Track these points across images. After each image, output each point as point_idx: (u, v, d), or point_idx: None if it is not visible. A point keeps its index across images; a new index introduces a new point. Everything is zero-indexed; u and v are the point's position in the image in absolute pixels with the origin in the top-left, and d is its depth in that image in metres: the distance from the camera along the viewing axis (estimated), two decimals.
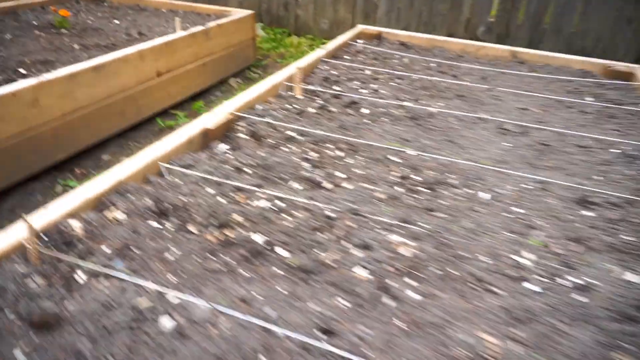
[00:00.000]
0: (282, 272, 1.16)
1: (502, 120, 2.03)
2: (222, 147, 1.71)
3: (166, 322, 0.99)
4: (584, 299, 1.10)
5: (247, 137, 1.78)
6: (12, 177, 2.04)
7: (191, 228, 1.28)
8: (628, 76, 2.77)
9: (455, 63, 2.84)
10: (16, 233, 1.15)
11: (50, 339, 0.94)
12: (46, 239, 1.16)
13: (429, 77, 2.54)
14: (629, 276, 1.17)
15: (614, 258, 1.23)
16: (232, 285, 1.10)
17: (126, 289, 1.06)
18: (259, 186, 1.47)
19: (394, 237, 1.25)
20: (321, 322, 1.02)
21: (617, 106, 2.31)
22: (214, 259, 1.18)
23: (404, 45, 3.15)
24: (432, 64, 2.82)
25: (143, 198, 1.36)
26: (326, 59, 2.68)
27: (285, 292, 1.10)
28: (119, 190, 1.39)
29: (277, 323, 1.00)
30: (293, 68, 2.29)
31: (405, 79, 2.50)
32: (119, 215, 1.30)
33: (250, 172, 1.55)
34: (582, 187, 1.54)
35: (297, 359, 0.92)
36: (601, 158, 1.78)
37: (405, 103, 2.17)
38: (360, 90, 2.29)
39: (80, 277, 1.09)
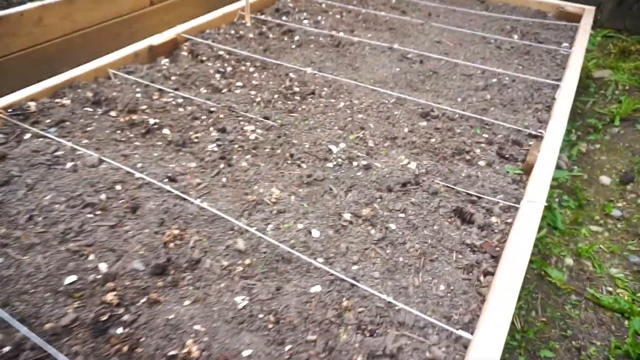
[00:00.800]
0: (161, 144, 1.58)
1: (409, 50, 2.26)
2: (164, 60, 2.11)
3: (68, 164, 1.46)
4: (362, 174, 1.44)
5: (187, 54, 2.16)
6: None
7: (112, 113, 1.72)
8: (576, 17, 2.81)
9: (414, 0, 2.99)
10: None
11: None
12: (10, 111, 1.65)
13: (376, 12, 2.74)
14: (410, 165, 1.49)
15: (411, 153, 1.55)
16: (123, 148, 1.55)
17: (51, 144, 1.54)
18: (175, 89, 1.87)
19: (249, 127, 1.63)
20: (172, 174, 1.45)
21: (539, 45, 2.44)
22: (119, 132, 1.63)
23: None
24: (392, 0, 2.99)
25: (86, 91, 1.81)
26: None
27: (157, 155, 1.53)
28: (72, 85, 1.84)
29: (139, 170, 1.44)
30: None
31: (352, 13, 2.72)
32: (65, 101, 1.76)
33: (174, 79, 1.95)
34: (433, 105, 1.81)
35: (140, 189, 1.37)
36: (475, 85, 2.00)
37: (336, 33, 2.42)
38: (304, 20, 2.57)
39: (27, 136, 1.58)
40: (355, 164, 1.49)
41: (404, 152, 1.55)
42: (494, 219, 1.32)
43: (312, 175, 1.44)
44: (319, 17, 2.63)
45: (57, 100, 1.76)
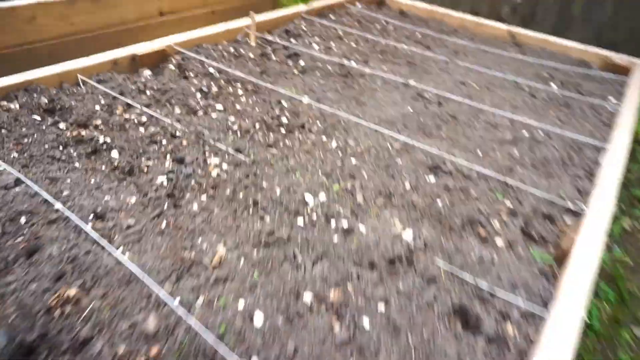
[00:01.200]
0: (105, 169, 1.27)
1: (427, 88, 1.92)
2: (147, 72, 1.84)
3: None
4: (339, 240, 1.09)
5: (174, 68, 1.88)
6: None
7: (61, 125, 1.44)
8: (625, 71, 2.43)
9: (442, 36, 2.68)
10: None
11: None
12: None
13: (396, 44, 2.44)
14: (405, 233, 1.12)
15: (409, 217, 1.18)
16: (56, 169, 1.25)
17: None
18: (146, 105, 1.58)
19: (215, 160, 1.31)
20: (102, 209, 1.13)
21: (581, 97, 2.07)
22: (60, 149, 1.33)
23: (402, 14, 3.00)
24: (417, 34, 2.69)
25: (42, 97, 1.54)
26: (307, 16, 2.67)
27: (94, 182, 1.22)
28: (29, 87, 1.58)
29: (62, 200, 1.13)
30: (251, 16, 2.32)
31: (370, 42, 2.42)
32: (14, 105, 1.49)
33: (149, 93, 1.66)
34: (446, 156, 1.45)
35: (51, 226, 1.05)
36: (501, 137, 1.64)
37: (347, 62, 2.12)
38: (314, 45, 2.28)
39: None
40: (333, 224, 1.14)
41: (400, 216, 1.19)
42: (509, 329, 0.94)
43: (275, 233, 1.10)
44: (332, 44, 2.34)
45: (4, 103, 1.49)
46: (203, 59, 1.95)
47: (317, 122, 1.57)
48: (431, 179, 1.36)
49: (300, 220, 1.13)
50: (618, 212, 2.10)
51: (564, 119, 1.87)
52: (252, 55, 2.08)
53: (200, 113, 1.56)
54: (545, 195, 1.33)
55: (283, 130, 1.50)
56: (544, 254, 1.12)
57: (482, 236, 1.15)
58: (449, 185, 1.33)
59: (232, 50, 2.11)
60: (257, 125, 1.51)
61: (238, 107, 1.62)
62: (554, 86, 2.16)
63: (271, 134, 1.48)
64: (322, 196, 1.22)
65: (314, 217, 1.15)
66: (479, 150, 1.55)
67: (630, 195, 2.21)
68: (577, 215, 1.27)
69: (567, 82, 2.22)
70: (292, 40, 2.33)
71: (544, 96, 2.04)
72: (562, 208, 1.30)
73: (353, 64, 2.12)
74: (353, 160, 1.38)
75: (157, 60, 1.92)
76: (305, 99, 1.71)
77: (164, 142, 1.38)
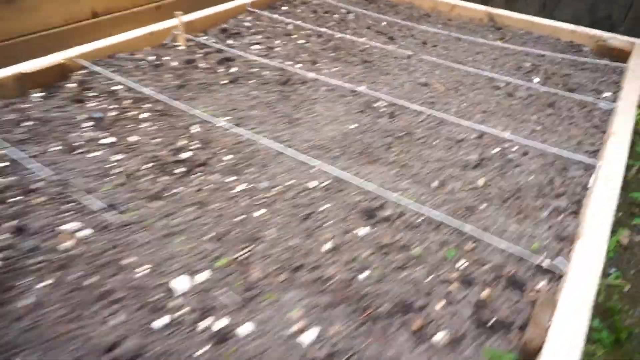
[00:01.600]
0: None
1: (379, 95, 1.55)
2: (37, 95, 1.49)
3: None
4: (209, 352, 0.76)
5: (76, 86, 1.54)
6: None
7: None
8: (623, 55, 2.03)
9: (410, 23, 2.28)
10: None
11: None
12: None
13: (354, 38, 2.05)
14: (307, 334, 0.79)
15: (316, 303, 0.84)
16: None
17: None
18: (19, 141, 1.24)
19: (71, 225, 0.97)
20: None
21: (569, 93, 1.69)
22: None
23: (368, 0, 2.60)
24: (382, 23, 2.29)
25: None
26: (254, 8, 2.28)
27: None
28: None
29: None
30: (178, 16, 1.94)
31: (323, 37, 2.04)
32: None
33: (26, 126, 1.32)
34: (388, 196, 1.10)
35: None
36: (464, 159, 1.28)
37: (290, 65, 1.75)
38: (253, 46, 1.90)
39: None
40: (207, 323, 0.81)
41: (305, 301, 0.85)
42: None
43: (120, 346, 0.77)
44: (277, 42, 1.96)
45: None
46: (110, 73, 1.60)
47: (228, 155, 1.22)
48: (363, 232, 1.01)
49: (161, 321, 0.80)
50: (614, 223, 1.74)
51: (546, 125, 1.50)
52: (175, 64, 1.72)
53: (79, 151, 1.22)
54: (513, 248, 0.98)
55: (181, 170, 1.16)
56: (503, 354, 0.79)
57: (416, 329, 0.81)
58: (384, 241, 0.98)
59: (153, 58, 1.75)
60: (148, 165, 1.16)
61: (133, 138, 1.27)
62: (536, 80, 1.77)
63: (163, 177, 1.13)
64: (201, 275, 0.88)
65: (182, 314, 0.81)
66: (434, 181, 1.20)
67: (628, 200, 1.85)
68: (554, 276, 0.93)
69: (553, 73, 1.84)
70: (230, 40, 1.96)
71: (524, 95, 1.66)
72: (535, 267, 0.95)
73: (297, 67, 1.75)
74: (261, 212, 1.03)
75: (54, 79, 1.57)
76: (221, 122, 1.35)
77: (14, 199, 1.04)
